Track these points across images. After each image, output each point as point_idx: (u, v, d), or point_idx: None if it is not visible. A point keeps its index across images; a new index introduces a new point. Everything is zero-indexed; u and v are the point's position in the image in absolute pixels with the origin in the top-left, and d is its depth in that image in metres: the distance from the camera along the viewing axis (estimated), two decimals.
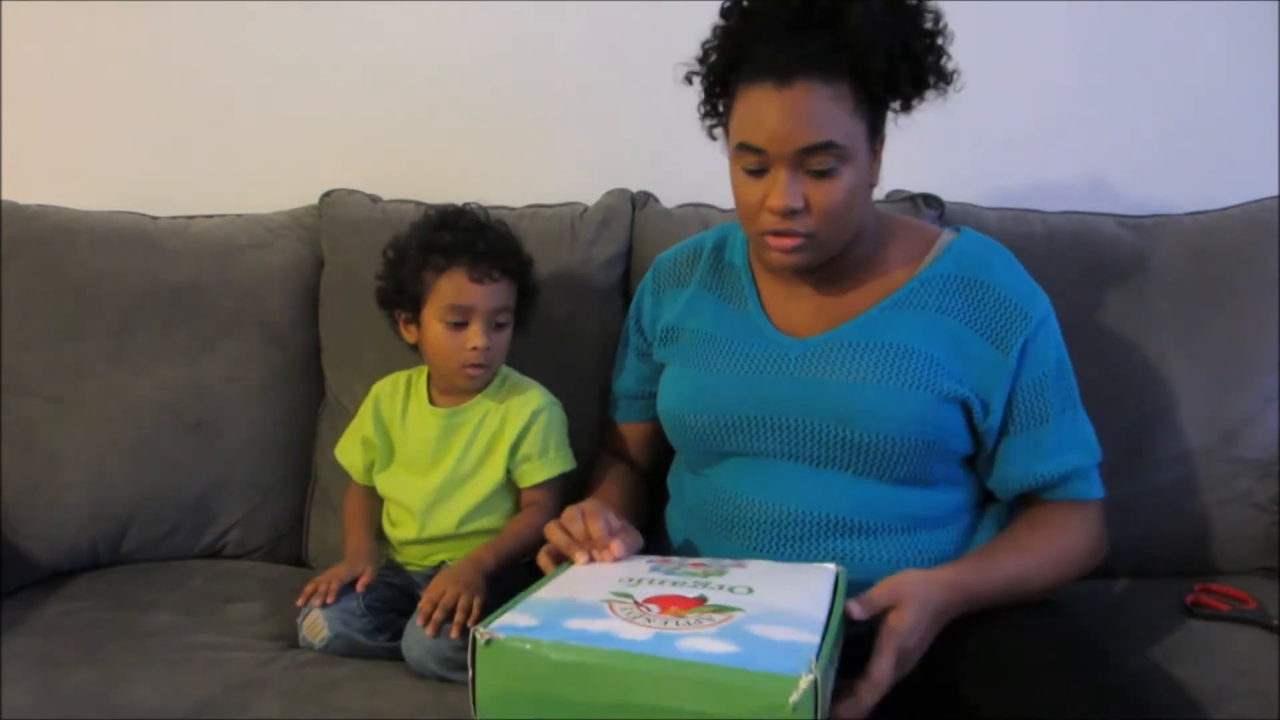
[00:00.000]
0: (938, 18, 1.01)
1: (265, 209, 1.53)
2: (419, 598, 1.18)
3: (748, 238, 1.14)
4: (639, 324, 1.26)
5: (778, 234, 1.00)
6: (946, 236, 1.11)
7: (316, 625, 1.15)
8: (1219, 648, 1.15)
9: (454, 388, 1.26)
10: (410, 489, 1.27)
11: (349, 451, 1.33)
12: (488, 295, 1.19)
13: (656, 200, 1.55)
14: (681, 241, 1.27)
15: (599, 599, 0.83)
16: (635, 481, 1.28)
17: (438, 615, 1.08)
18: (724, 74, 1.04)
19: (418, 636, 1.09)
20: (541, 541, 1.03)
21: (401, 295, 1.22)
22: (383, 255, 1.26)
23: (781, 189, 0.97)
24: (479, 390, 1.26)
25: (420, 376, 1.31)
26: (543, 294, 1.36)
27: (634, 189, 1.54)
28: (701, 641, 0.74)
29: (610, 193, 1.53)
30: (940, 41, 1.01)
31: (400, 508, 1.29)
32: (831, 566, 0.92)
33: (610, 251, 1.46)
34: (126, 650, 1.14)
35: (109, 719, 1.03)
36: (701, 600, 0.83)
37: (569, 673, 0.73)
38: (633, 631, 0.76)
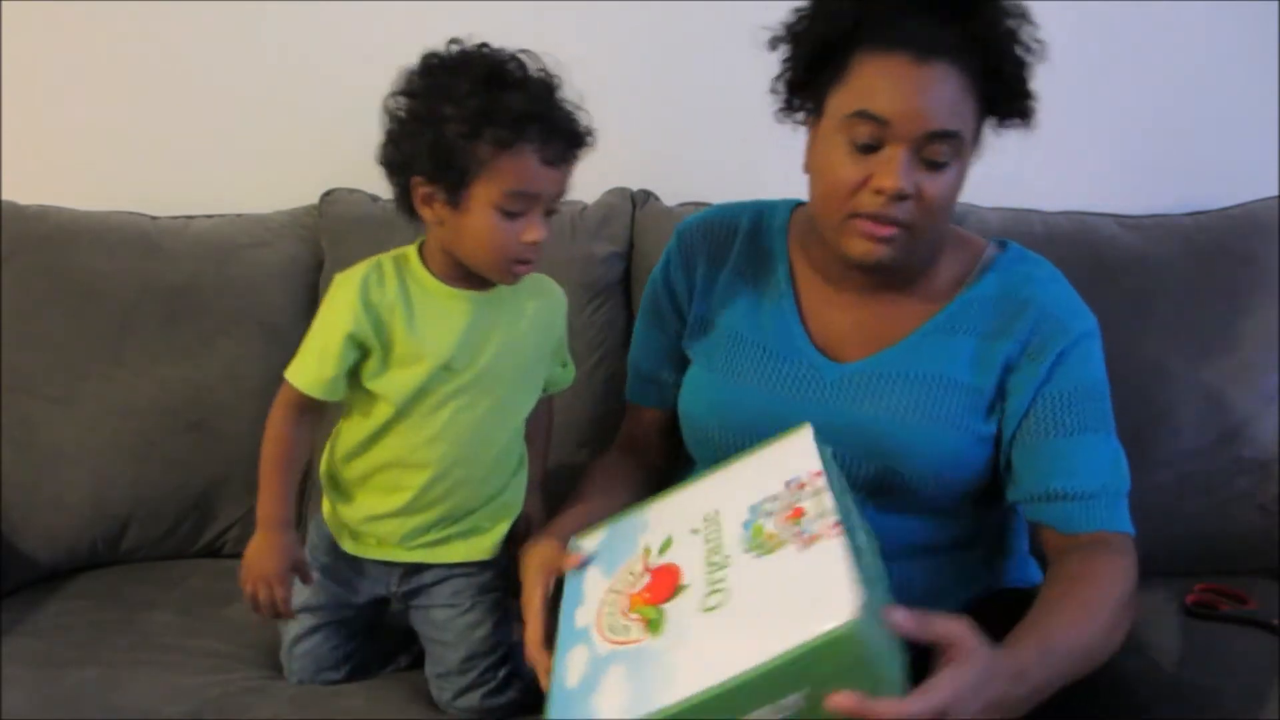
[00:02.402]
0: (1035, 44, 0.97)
1: (265, 209, 1.53)
2: (373, 599, 1.12)
3: (819, 224, 1.01)
4: (671, 293, 1.15)
5: (876, 219, 0.93)
6: (991, 251, 1.06)
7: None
8: (1219, 648, 1.15)
9: (475, 279, 1.03)
10: (424, 397, 1.02)
11: (319, 365, 1.00)
12: (556, 181, 0.97)
13: (657, 198, 1.54)
14: (710, 209, 1.17)
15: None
16: (631, 490, 1.09)
17: None
18: (834, 39, 0.94)
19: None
20: None
21: (438, 164, 0.94)
22: (394, 106, 0.98)
23: (897, 169, 0.90)
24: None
25: (411, 260, 1.04)
26: None
27: (634, 187, 1.54)
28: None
29: (610, 191, 1.53)
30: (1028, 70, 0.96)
31: (392, 463, 1.05)
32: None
33: (610, 249, 1.46)
34: (126, 651, 1.15)
35: (109, 719, 1.04)
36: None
37: None
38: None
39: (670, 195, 1.55)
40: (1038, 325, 0.99)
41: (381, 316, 1.00)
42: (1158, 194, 1.57)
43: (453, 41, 1.00)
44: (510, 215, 0.95)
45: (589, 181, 1.53)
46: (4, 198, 1.46)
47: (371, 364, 1.01)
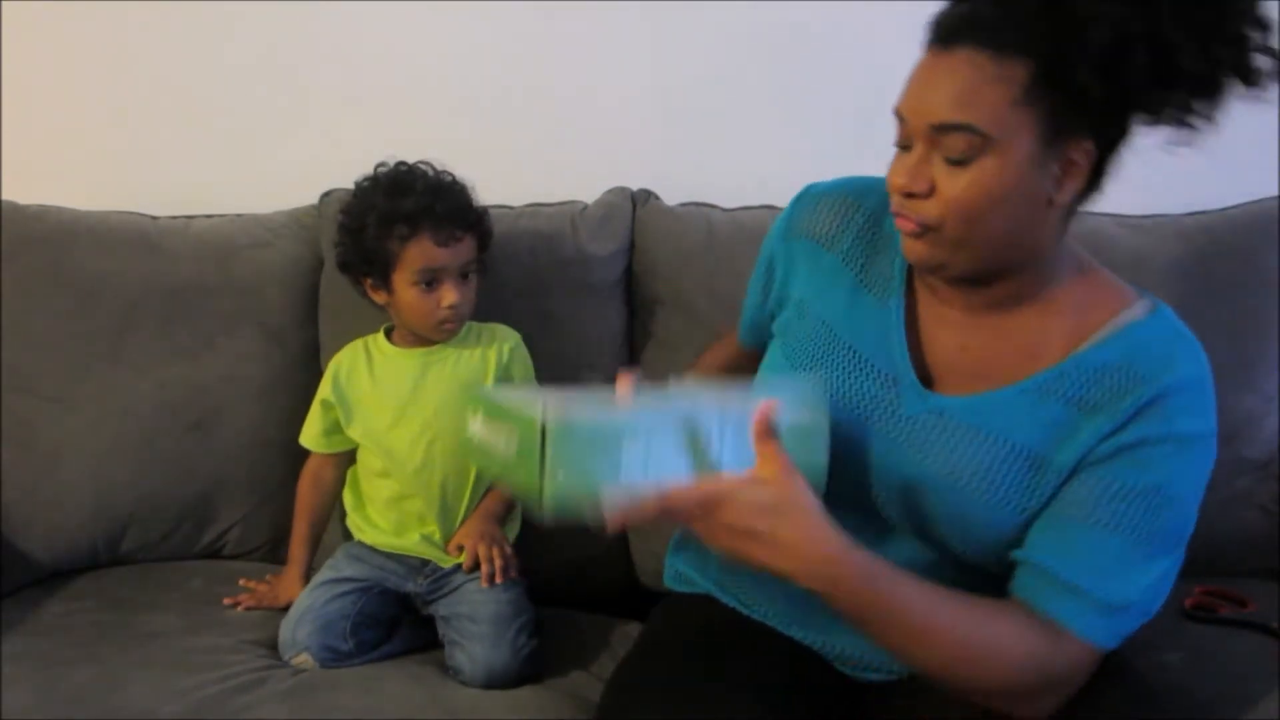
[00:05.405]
0: None
1: (265, 209, 1.53)
2: (398, 592, 1.25)
3: None
4: (770, 266, 1.07)
5: (900, 216, 0.87)
6: (1135, 312, 0.91)
7: (306, 663, 1.18)
8: (1218, 653, 1.15)
9: (424, 340, 1.29)
10: (395, 437, 1.27)
11: (309, 425, 1.33)
12: (454, 255, 1.22)
13: (657, 198, 1.54)
14: (835, 181, 1.05)
15: None
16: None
17: (486, 569, 1.21)
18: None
19: (484, 661, 1.15)
20: None
21: (368, 263, 1.24)
22: (339, 224, 1.28)
23: (903, 166, 0.85)
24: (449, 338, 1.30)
25: (378, 337, 1.33)
26: (543, 292, 1.36)
27: (634, 187, 1.54)
28: None
29: (611, 190, 1.53)
30: (1252, 28, 0.82)
31: (384, 473, 1.29)
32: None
33: (610, 249, 1.46)
34: (126, 651, 1.15)
35: (109, 719, 1.04)
36: None
37: None
38: None
39: (670, 195, 1.55)
40: (1143, 403, 0.85)
41: (345, 385, 1.31)
42: (1158, 194, 1.57)
43: (380, 165, 1.29)
44: (428, 286, 1.21)
45: (589, 181, 1.55)
46: (4, 198, 1.46)
47: (342, 417, 1.30)
